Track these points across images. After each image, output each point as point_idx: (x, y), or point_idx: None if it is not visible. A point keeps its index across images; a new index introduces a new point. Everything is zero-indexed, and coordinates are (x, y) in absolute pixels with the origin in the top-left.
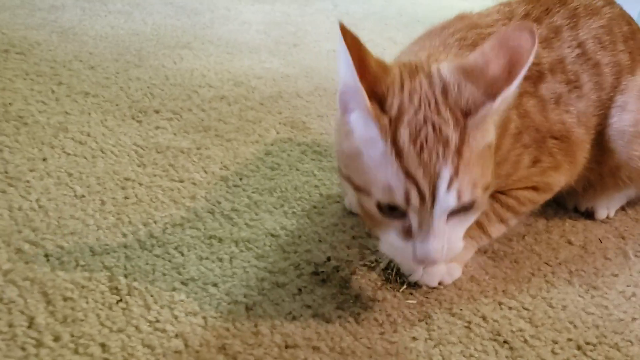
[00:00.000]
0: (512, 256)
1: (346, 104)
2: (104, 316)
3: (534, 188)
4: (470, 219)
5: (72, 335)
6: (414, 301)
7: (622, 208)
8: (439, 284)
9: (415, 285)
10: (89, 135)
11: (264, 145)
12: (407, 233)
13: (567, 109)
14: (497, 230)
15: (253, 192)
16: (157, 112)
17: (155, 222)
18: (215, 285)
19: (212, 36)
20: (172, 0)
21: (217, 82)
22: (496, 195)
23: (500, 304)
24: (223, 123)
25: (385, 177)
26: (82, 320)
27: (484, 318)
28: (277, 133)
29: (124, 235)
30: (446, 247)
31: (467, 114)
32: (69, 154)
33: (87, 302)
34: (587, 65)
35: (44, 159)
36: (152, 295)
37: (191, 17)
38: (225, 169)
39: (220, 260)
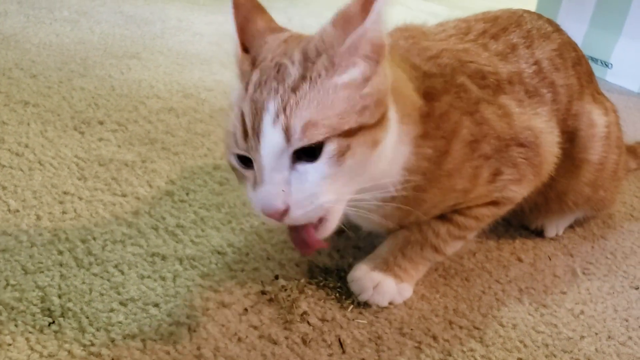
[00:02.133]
0: (463, 274)
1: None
2: (34, 340)
3: (494, 203)
4: (337, 171)
5: None
6: (364, 321)
7: (571, 226)
8: (389, 303)
9: (365, 304)
10: (26, 146)
11: (213, 159)
12: (255, 182)
13: (536, 112)
14: (453, 247)
15: (200, 208)
16: (101, 123)
17: (94, 238)
18: (156, 305)
19: (162, 47)
20: (122, 9)
21: (165, 93)
22: (453, 216)
23: (451, 323)
24: (170, 136)
25: (231, 119)
26: (9, 345)
27: (434, 338)
28: None
29: (60, 252)
30: (293, 194)
31: (319, 53)
32: (4, 166)
33: (16, 325)
34: (545, 83)
35: None
36: (87, 317)
37: (141, 26)
38: (172, 183)
39: (163, 279)
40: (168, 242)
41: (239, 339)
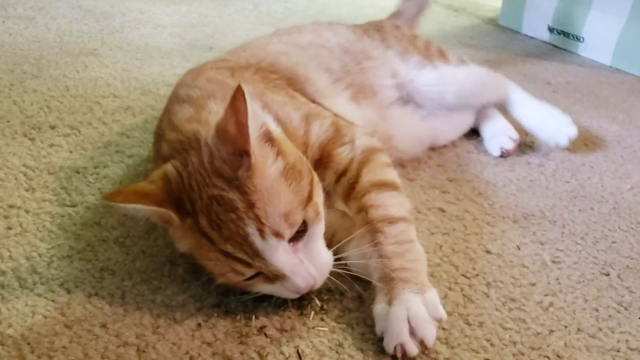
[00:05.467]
0: (429, 269)
1: (164, 221)
2: None
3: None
4: (317, 230)
5: None
6: (325, 328)
7: (541, 210)
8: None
9: (326, 309)
10: None
11: None
12: (270, 279)
13: None
14: (401, 206)
15: None
16: (52, 127)
17: (40, 255)
18: (104, 326)
19: (121, 41)
20: (80, 3)
21: (122, 91)
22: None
23: None
24: (125, 137)
25: (214, 265)
26: None
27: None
28: None
29: (2, 272)
30: (310, 265)
31: (235, 169)
32: None
33: None
34: None
35: None
36: (28, 344)
37: (100, 21)
38: None
39: (111, 296)
40: (118, 254)
41: (191, 358)
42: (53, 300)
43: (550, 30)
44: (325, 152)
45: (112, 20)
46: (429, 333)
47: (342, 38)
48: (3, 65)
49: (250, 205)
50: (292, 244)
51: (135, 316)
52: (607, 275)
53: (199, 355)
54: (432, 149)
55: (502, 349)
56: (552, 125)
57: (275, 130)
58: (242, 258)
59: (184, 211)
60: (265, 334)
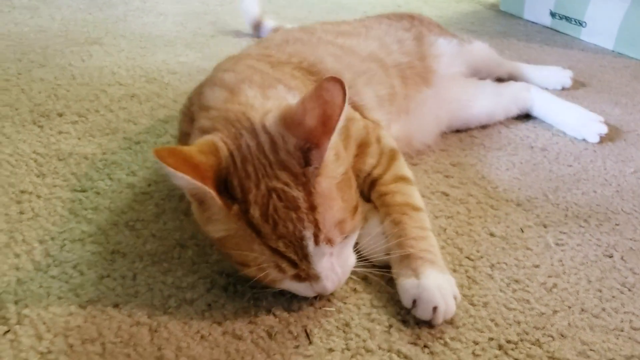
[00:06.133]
0: None
1: (200, 198)
2: None
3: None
4: (353, 238)
5: None
6: (332, 308)
7: (544, 194)
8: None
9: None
10: None
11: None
12: (299, 278)
13: None
14: (420, 200)
15: (162, 200)
16: (60, 115)
17: (52, 238)
18: (116, 306)
19: (125, 30)
20: None
21: (128, 79)
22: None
23: None
24: (132, 124)
25: (255, 258)
26: None
27: (404, 322)
28: None
29: (17, 255)
30: (339, 270)
31: (305, 164)
32: None
33: None
34: None
35: None
36: (44, 323)
37: (103, 10)
38: (133, 174)
39: (123, 277)
40: (128, 237)
41: (202, 337)
42: (67, 282)
43: (552, 15)
44: (360, 150)
45: (115, 9)
46: (452, 306)
47: (403, 46)
48: (11, 54)
49: (312, 208)
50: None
51: (147, 297)
52: (611, 257)
53: (210, 334)
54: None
55: (507, 328)
56: (581, 123)
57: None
58: (291, 257)
59: (230, 196)
60: (274, 314)
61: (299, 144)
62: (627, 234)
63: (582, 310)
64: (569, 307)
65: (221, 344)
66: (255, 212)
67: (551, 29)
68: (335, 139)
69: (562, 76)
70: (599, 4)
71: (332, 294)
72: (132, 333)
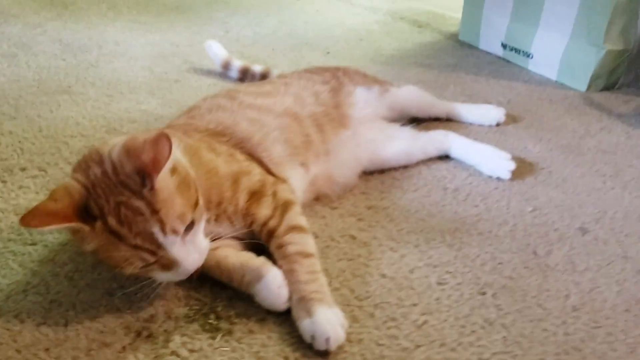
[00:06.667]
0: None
1: (74, 230)
2: None
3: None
4: (200, 225)
5: None
6: (227, 348)
7: (443, 235)
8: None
9: (230, 333)
10: None
11: None
12: (166, 267)
13: None
14: (312, 246)
15: None
16: (23, 169)
17: (1, 290)
18: (47, 350)
19: (94, 77)
20: (61, 36)
21: (90, 130)
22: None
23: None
24: None
25: (123, 256)
26: None
27: (285, 358)
28: None
29: None
30: (195, 252)
31: (142, 185)
32: None
33: None
34: None
35: None
36: None
37: (77, 55)
38: None
39: (57, 324)
40: (66, 287)
41: None
42: (8, 329)
43: (504, 46)
44: (254, 199)
45: (89, 54)
46: (341, 334)
47: (318, 98)
48: None
49: (154, 211)
50: (183, 236)
51: (74, 341)
52: (484, 294)
53: None
54: (362, 175)
55: None
56: (493, 162)
57: (177, 156)
58: (149, 248)
59: (91, 216)
60: (177, 355)
61: (134, 170)
62: (506, 272)
63: (442, 344)
64: (431, 342)
65: None
66: (112, 221)
67: (503, 59)
68: (166, 170)
69: (495, 113)
70: (543, 37)
71: (229, 334)
72: None
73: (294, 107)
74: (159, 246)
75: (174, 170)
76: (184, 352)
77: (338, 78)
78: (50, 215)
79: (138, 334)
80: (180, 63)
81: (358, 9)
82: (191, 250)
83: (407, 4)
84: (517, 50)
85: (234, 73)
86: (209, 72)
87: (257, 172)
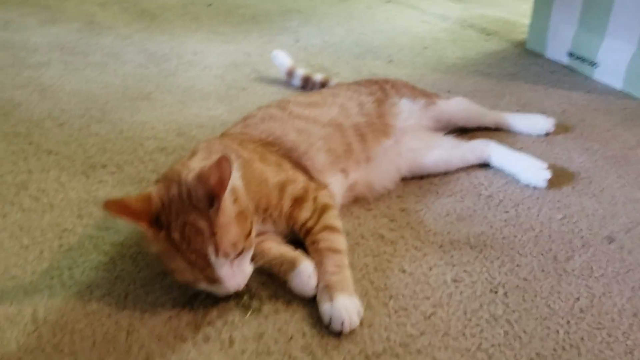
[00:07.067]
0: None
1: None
2: (23, 341)
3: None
4: (248, 253)
5: None
6: (256, 323)
7: (467, 237)
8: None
9: (259, 309)
10: (44, 191)
11: None
12: (211, 282)
13: None
14: (342, 243)
15: None
16: (104, 166)
17: (77, 266)
18: (109, 316)
19: (172, 85)
20: (147, 46)
21: (163, 133)
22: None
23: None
24: (156, 174)
25: (178, 266)
26: (5, 345)
27: (303, 334)
28: None
29: (51, 277)
30: (239, 276)
31: (209, 206)
32: (24, 210)
33: (12, 331)
34: None
35: (4, 216)
36: (57, 325)
37: (159, 64)
38: None
39: (119, 296)
40: (129, 266)
41: (160, 338)
42: (80, 298)
43: (569, 54)
44: (296, 204)
45: (169, 63)
46: (355, 320)
47: (363, 108)
48: (77, 110)
49: (213, 234)
50: (232, 260)
51: (131, 310)
52: (495, 293)
53: (166, 336)
54: (401, 179)
55: (378, 344)
56: (529, 171)
57: (238, 186)
58: (200, 264)
59: (159, 224)
60: (213, 325)
61: (205, 194)
62: (522, 274)
63: (445, 334)
64: (436, 331)
65: (170, 343)
66: (175, 235)
67: (568, 68)
68: (228, 193)
69: (544, 123)
70: (609, 45)
71: (258, 312)
72: (114, 334)
73: (338, 118)
74: (209, 265)
75: (235, 200)
76: (218, 323)
77: (385, 90)
78: (129, 210)
79: (183, 306)
80: (249, 72)
81: (428, 16)
82: (236, 274)
83: (479, 11)
84: (582, 59)
85: (297, 81)
86: (274, 81)
87: (301, 179)
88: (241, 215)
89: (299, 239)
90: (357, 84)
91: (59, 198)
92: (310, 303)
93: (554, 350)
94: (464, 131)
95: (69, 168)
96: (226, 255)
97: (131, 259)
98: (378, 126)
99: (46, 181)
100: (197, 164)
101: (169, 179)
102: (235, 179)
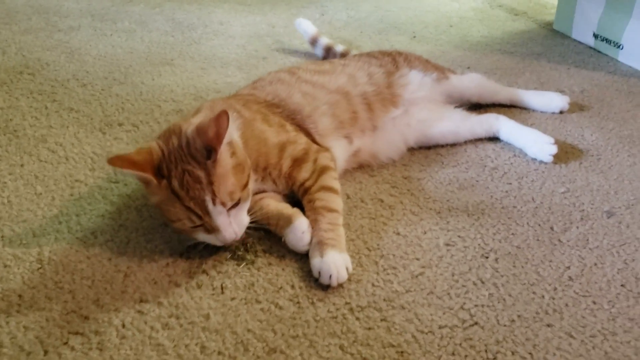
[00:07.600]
0: (346, 241)
1: (145, 181)
2: (27, 277)
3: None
4: (245, 205)
5: (4, 290)
6: (247, 273)
7: (466, 206)
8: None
9: (253, 261)
10: (61, 145)
11: None
12: (209, 231)
13: None
14: (338, 204)
15: None
16: (120, 125)
17: (85, 213)
18: (109, 259)
19: (194, 52)
20: (175, 15)
21: (180, 96)
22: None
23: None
24: None
25: (176, 213)
26: (11, 280)
27: (292, 286)
28: None
29: (60, 222)
30: (236, 226)
31: (207, 157)
32: (41, 161)
33: (18, 268)
34: None
35: (22, 165)
36: (62, 264)
37: (185, 32)
38: None
39: (121, 242)
40: (134, 216)
41: (155, 282)
42: (84, 242)
43: (595, 36)
44: (296, 165)
45: (195, 32)
46: (343, 275)
47: (372, 78)
48: (101, 72)
49: (210, 182)
50: (229, 210)
51: (130, 255)
52: (486, 258)
53: (161, 281)
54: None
55: (363, 297)
56: (536, 145)
57: (236, 140)
58: (197, 212)
59: (160, 174)
60: (207, 273)
61: (204, 145)
62: (516, 242)
63: (430, 292)
64: (421, 290)
65: (164, 287)
66: (175, 183)
67: (593, 49)
68: (225, 146)
69: (559, 101)
70: (634, 28)
71: (252, 264)
72: (113, 276)
73: (346, 86)
74: (207, 213)
75: (233, 153)
76: (212, 272)
77: (396, 61)
78: (132, 162)
79: (180, 255)
80: (272, 42)
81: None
82: (233, 224)
83: None
84: (608, 41)
85: (319, 50)
86: (295, 52)
87: (302, 141)
88: (238, 167)
89: (297, 199)
90: (370, 54)
91: (75, 152)
92: (303, 259)
93: (537, 313)
94: (478, 107)
95: (87, 125)
96: (223, 204)
97: (136, 210)
98: (386, 96)
99: (64, 136)
100: (198, 120)
101: (170, 132)
102: (234, 134)
